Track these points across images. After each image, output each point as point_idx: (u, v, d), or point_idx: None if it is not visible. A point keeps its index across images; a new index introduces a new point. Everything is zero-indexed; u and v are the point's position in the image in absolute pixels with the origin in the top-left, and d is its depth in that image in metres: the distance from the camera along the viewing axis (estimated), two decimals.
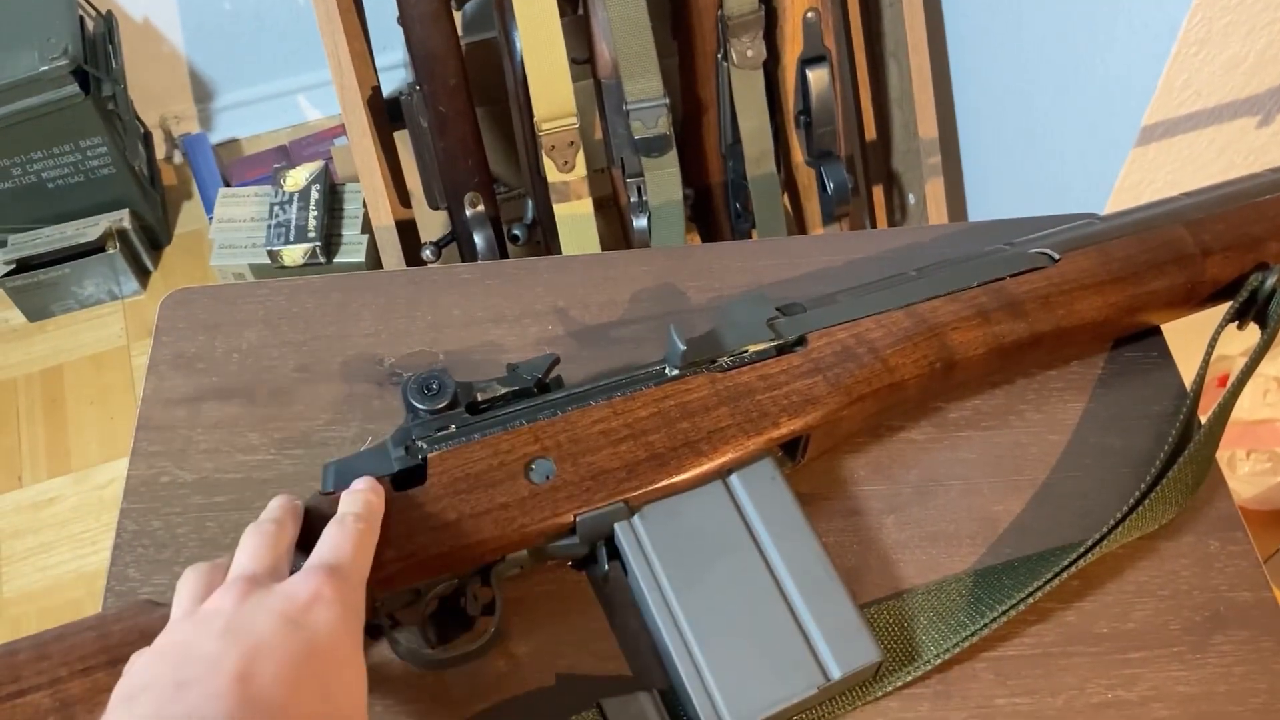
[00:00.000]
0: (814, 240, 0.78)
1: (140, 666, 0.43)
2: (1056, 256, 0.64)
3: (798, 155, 1.35)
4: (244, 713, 0.40)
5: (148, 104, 1.90)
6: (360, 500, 0.52)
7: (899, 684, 0.56)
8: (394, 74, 1.88)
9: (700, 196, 1.42)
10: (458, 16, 1.44)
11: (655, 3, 1.18)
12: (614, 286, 0.73)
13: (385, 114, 1.40)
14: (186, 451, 0.65)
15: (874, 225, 1.53)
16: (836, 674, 0.53)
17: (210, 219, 1.80)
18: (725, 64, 1.26)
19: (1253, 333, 0.66)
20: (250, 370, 0.69)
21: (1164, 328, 0.70)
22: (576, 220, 1.27)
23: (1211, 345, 0.64)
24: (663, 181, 1.23)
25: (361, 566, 0.49)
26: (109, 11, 1.74)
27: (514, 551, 0.55)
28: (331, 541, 0.49)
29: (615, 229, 1.40)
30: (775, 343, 0.61)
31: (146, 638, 0.50)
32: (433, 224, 1.49)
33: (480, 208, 1.34)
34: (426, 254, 1.39)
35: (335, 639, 0.45)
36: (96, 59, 1.65)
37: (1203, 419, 0.63)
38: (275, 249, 1.69)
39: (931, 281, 0.64)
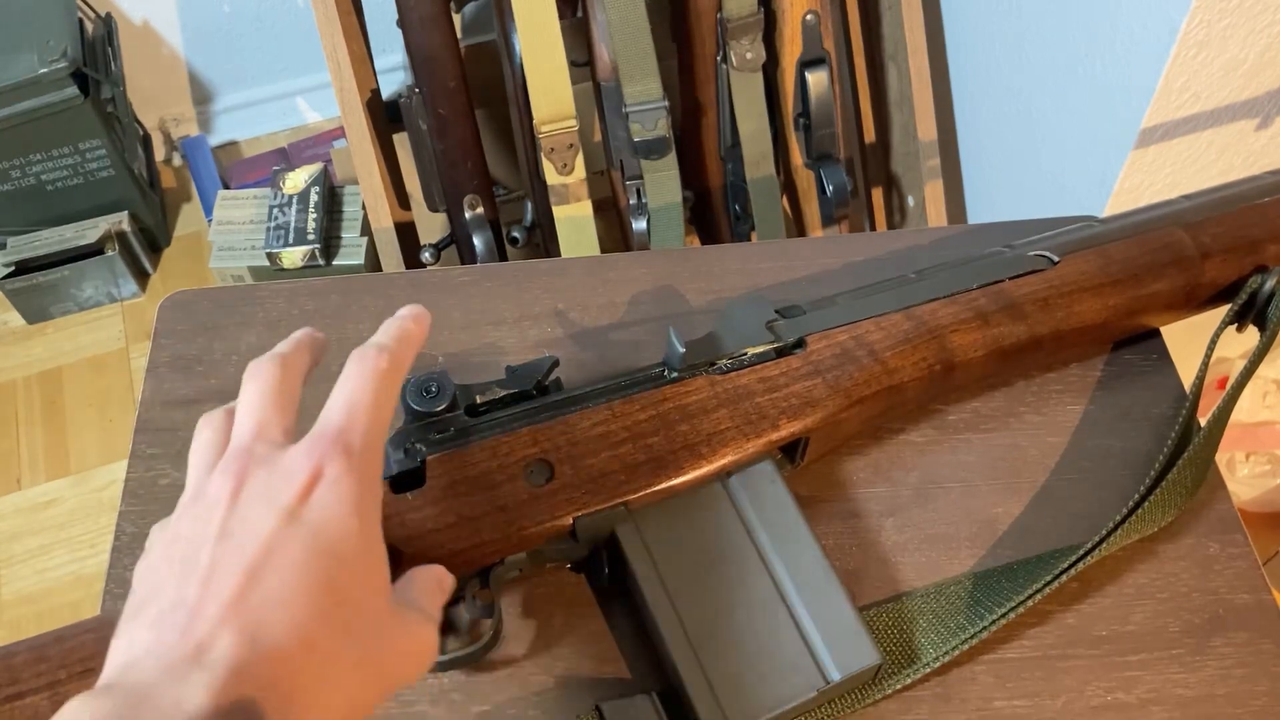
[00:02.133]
0: (813, 242, 0.78)
1: (145, 571, 0.41)
2: (1056, 259, 0.64)
3: (797, 158, 1.35)
4: (243, 638, 0.37)
5: (147, 106, 1.90)
6: (394, 328, 0.46)
7: (898, 686, 0.56)
8: (393, 76, 1.89)
9: (699, 199, 1.42)
10: (457, 19, 1.44)
11: (655, 5, 1.18)
12: (613, 289, 0.73)
13: (384, 116, 1.40)
14: (185, 454, 0.65)
15: (873, 228, 1.54)
16: (836, 677, 0.53)
17: (209, 221, 1.80)
18: (724, 66, 1.26)
19: (1252, 335, 0.66)
20: None
21: (1163, 330, 0.70)
22: (576, 222, 1.27)
23: (1211, 347, 0.64)
24: (662, 184, 1.23)
25: (377, 421, 0.43)
26: (108, 14, 1.74)
27: (513, 554, 0.55)
28: (343, 392, 0.43)
29: (614, 231, 1.40)
30: (774, 345, 0.61)
31: None
32: (432, 226, 1.49)
33: (479, 210, 1.34)
34: (425, 256, 1.39)
35: (343, 529, 0.40)
36: (96, 61, 1.66)
37: (1202, 421, 0.63)
38: (274, 251, 1.69)
39: (931, 284, 0.64)
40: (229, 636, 0.37)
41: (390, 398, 0.44)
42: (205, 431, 0.46)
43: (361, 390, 0.43)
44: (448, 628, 0.57)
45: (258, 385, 0.45)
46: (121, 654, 0.38)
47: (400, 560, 0.53)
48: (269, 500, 0.40)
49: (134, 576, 0.41)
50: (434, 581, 0.46)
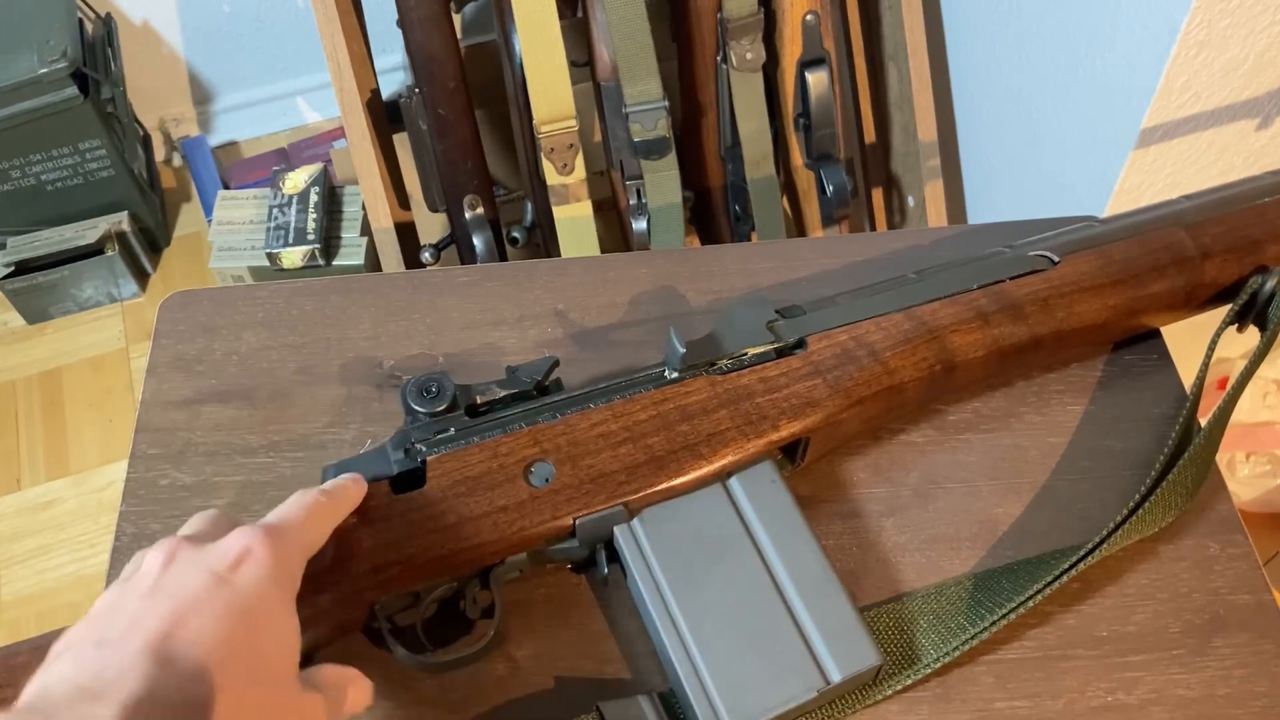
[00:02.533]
0: (813, 243, 0.78)
1: (69, 631, 0.44)
2: (1056, 259, 0.64)
3: (797, 158, 1.35)
4: (162, 671, 0.40)
5: (147, 106, 1.90)
6: (336, 482, 0.53)
7: (899, 687, 0.56)
8: (393, 76, 1.88)
9: (700, 199, 1.42)
10: (457, 19, 1.44)
11: (654, 5, 1.18)
12: (613, 289, 0.73)
13: (384, 116, 1.40)
14: (185, 454, 0.65)
15: (873, 228, 1.53)
16: (836, 677, 0.53)
17: (209, 221, 1.80)
18: (725, 67, 1.26)
19: (1252, 335, 0.66)
20: (249, 373, 0.69)
21: (1164, 330, 0.70)
22: (576, 223, 1.27)
23: (1211, 348, 0.64)
24: (662, 184, 1.23)
25: (305, 533, 0.49)
26: (108, 14, 1.74)
27: (513, 554, 0.55)
28: (283, 506, 0.50)
29: (614, 231, 1.40)
30: (775, 345, 0.61)
31: None
32: (432, 226, 1.49)
33: (479, 210, 1.34)
34: (425, 256, 1.39)
35: (264, 595, 0.44)
36: (96, 61, 1.65)
37: (1202, 421, 0.63)
38: (274, 251, 1.69)
39: (931, 284, 0.64)
40: (145, 667, 0.39)
41: (321, 526, 0.50)
42: (141, 552, 0.49)
43: (296, 509, 0.49)
44: (449, 627, 0.57)
45: (201, 516, 0.50)
46: (37, 683, 0.40)
47: (399, 564, 0.53)
48: (198, 567, 0.44)
49: (59, 637, 0.44)
50: (344, 679, 0.48)
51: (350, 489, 0.53)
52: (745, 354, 0.60)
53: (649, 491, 0.56)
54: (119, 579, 0.46)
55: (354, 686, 0.48)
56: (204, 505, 0.63)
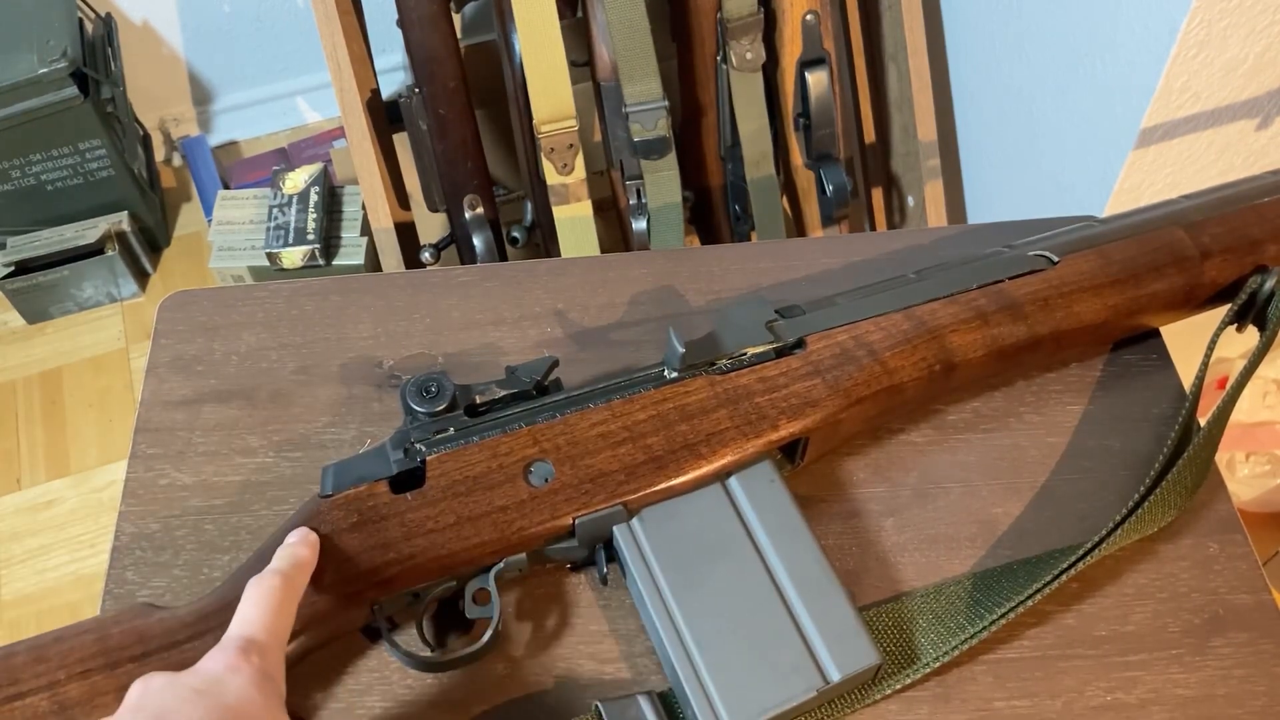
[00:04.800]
0: (813, 243, 0.78)
1: None
2: (1056, 259, 0.64)
3: (797, 158, 1.35)
4: None
5: (147, 106, 1.90)
6: (287, 555, 0.52)
7: (898, 687, 0.56)
8: (393, 76, 1.88)
9: (699, 199, 1.42)
10: (457, 19, 1.44)
11: (654, 5, 1.18)
12: (613, 289, 0.73)
13: (384, 116, 1.40)
14: (185, 454, 0.65)
15: (873, 228, 1.53)
16: (835, 677, 0.53)
17: (209, 221, 1.80)
18: (724, 66, 1.26)
19: (1252, 335, 0.66)
20: (249, 373, 0.69)
21: (1163, 330, 0.70)
22: (575, 223, 1.27)
23: (1210, 347, 0.64)
24: (662, 184, 1.23)
25: (277, 629, 0.49)
26: (108, 14, 1.74)
27: (513, 554, 0.55)
28: (246, 608, 0.49)
29: (614, 231, 1.40)
30: (774, 345, 0.61)
31: (144, 641, 0.51)
32: (432, 226, 1.49)
33: (479, 210, 1.34)
34: (425, 256, 1.39)
35: (247, 696, 0.44)
36: (96, 61, 1.65)
37: (1202, 421, 0.63)
38: (274, 251, 1.69)
39: (930, 284, 0.64)
40: None
41: (286, 611, 0.50)
42: None
43: (262, 605, 0.49)
44: (449, 627, 0.57)
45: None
46: None
47: (399, 564, 0.53)
48: (182, 686, 0.44)
49: None
50: None
51: (302, 555, 0.52)
52: (745, 354, 0.60)
53: (648, 491, 0.56)
54: None
55: None
56: (204, 505, 0.63)
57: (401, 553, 0.53)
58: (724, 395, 0.59)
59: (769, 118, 1.29)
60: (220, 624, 0.50)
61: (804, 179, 1.38)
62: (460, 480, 0.55)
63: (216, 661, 0.46)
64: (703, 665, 0.53)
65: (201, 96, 1.96)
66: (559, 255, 1.30)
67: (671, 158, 1.23)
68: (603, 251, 1.33)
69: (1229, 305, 0.66)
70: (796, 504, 0.58)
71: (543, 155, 1.22)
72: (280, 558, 0.52)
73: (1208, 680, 0.57)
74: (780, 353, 0.61)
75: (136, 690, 0.45)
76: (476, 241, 1.34)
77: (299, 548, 0.52)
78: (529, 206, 1.38)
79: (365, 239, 1.73)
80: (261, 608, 0.49)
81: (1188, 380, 0.66)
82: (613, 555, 0.57)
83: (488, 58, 1.39)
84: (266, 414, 0.67)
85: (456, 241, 1.40)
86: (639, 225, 1.25)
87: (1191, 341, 0.76)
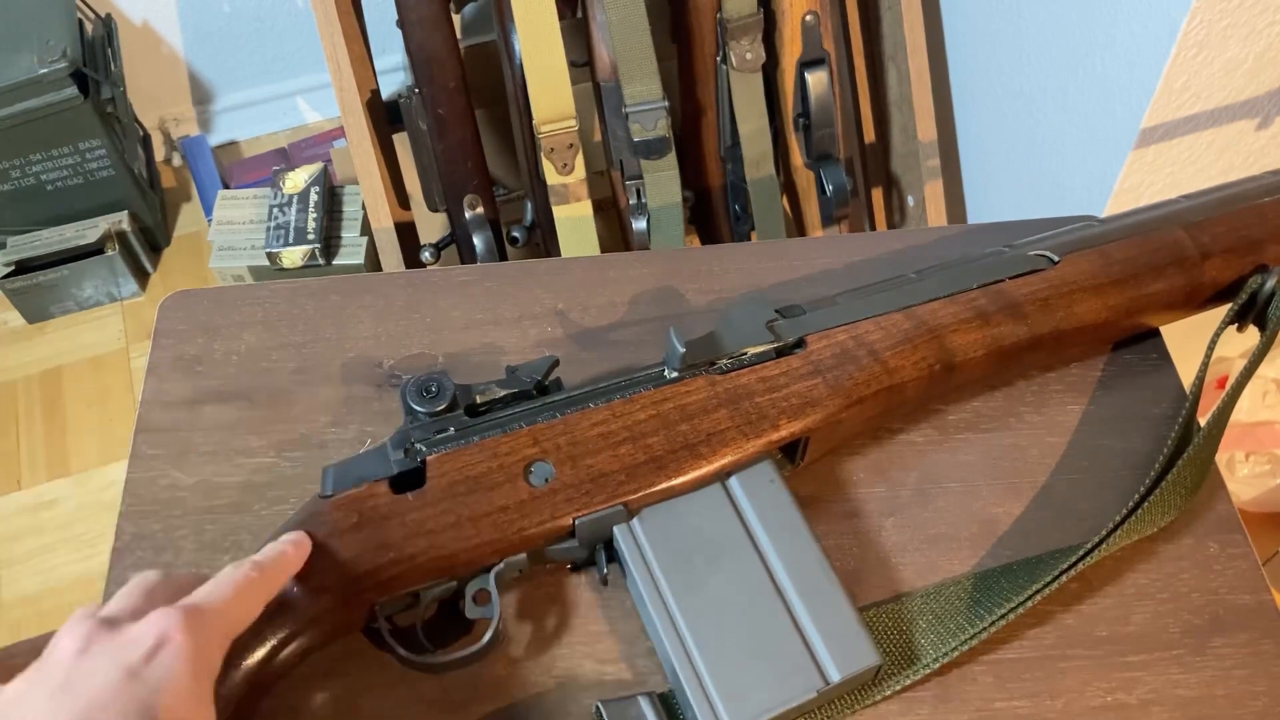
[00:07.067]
0: (813, 242, 0.78)
1: None
2: (1056, 259, 0.64)
3: (797, 158, 1.35)
4: None
5: (147, 106, 1.90)
6: (272, 550, 0.51)
7: (898, 687, 0.56)
8: (393, 76, 1.89)
9: (699, 199, 1.42)
10: (457, 19, 1.44)
11: (654, 5, 1.18)
12: (613, 289, 0.73)
13: (384, 116, 1.40)
14: (186, 454, 0.65)
15: (873, 227, 1.53)
16: (835, 677, 0.53)
17: (209, 221, 1.80)
18: (724, 67, 1.26)
19: (1252, 335, 0.66)
20: (249, 372, 0.69)
21: (1163, 330, 0.70)
22: (575, 222, 1.27)
23: (1211, 347, 0.64)
24: (662, 184, 1.23)
25: (229, 615, 0.48)
26: (108, 14, 1.74)
27: (513, 555, 0.55)
28: (212, 582, 0.48)
29: (614, 231, 1.40)
30: (774, 345, 0.61)
31: None
32: (432, 226, 1.49)
33: (479, 210, 1.34)
34: (425, 256, 1.39)
35: (177, 691, 0.43)
36: (95, 61, 1.65)
37: (1202, 421, 0.63)
38: (274, 251, 1.69)
39: (931, 284, 0.64)
40: None
41: (250, 603, 0.49)
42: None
43: (224, 587, 0.48)
44: (449, 627, 0.57)
45: (131, 583, 0.49)
46: None
47: (399, 564, 0.53)
48: (112, 659, 0.43)
49: None
50: None
51: (289, 555, 0.51)
52: (745, 353, 0.60)
53: (648, 491, 0.56)
54: (38, 660, 0.45)
55: None
56: (205, 505, 0.63)
57: (402, 553, 0.53)
58: (724, 395, 0.59)
59: (769, 118, 1.30)
60: None
61: (804, 179, 1.38)
62: (460, 480, 0.55)
63: (157, 627, 0.45)
64: (703, 666, 0.53)
65: (201, 96, 1.96)
66: (559, 255, 1.30)
67: (671, 158, 1.23)
68: (603, 251, 1.34)
69: (1229, 305, 0.66)
70: (796, 504, 0.58)
71: (543, 155, 1.23)
72: (264, 551, 0.51)
73: (1208, 680, 0.57)
74: (781, 352, 0.61)
75: (72, 646, 0.44)
76: (476, 241, 1.34)
77: (285, 545, 0.52)
78: (529, 206, 1.38)
79: (365, 239, 1.73)
80: (225, 588, 0.48)
81: (1188, 380, 0.66)
82: (613, 555, 0.57)
83: (488, 58, 1.39)
84: (267, 414, 0.67)
85: (456, 241, 1.40)
86: (639, 225, 1.25)
87: (1191, 341, 0.76)
